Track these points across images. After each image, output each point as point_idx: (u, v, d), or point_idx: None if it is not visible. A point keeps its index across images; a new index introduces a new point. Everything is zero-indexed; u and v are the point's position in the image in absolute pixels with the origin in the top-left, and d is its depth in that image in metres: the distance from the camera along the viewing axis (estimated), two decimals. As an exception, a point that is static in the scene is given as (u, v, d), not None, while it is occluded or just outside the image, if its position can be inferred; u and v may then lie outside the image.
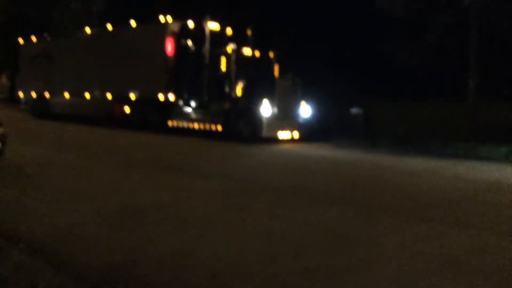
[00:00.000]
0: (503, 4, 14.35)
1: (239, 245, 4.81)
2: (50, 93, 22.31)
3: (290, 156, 12.86)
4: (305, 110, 15.99)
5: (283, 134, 15.33)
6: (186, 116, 16.77)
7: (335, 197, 7.44)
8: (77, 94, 20.89)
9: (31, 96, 23.50)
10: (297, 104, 15.86)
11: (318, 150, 13.85)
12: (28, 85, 23.87)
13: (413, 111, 15.53)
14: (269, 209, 6.40)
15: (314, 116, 16.17)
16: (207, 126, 16.00)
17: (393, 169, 10.80)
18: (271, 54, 17.06)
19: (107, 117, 19.62)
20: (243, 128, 15.11)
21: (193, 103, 16.64)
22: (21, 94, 24.55)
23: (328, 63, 18.88)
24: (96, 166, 9.68)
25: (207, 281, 3.87)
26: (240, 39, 17.11)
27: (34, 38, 23.57)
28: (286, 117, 15.48)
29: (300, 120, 15.87)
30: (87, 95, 20.34)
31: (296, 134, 15.62)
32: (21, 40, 24.51)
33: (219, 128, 15.66)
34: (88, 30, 20.51)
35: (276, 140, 15.14)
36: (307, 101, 16.10)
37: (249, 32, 17.55)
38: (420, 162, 11.87)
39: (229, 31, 17.51)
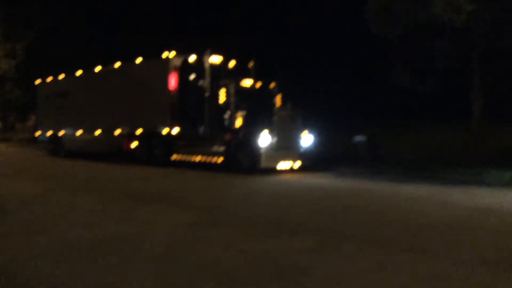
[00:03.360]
0: (503, 25, 14.00)
1: (174, 280, 4.66)
2: (64, 131, 22.81)
3: (283, 186, 12.62)
4: (307, 139, 15.80)
5: (284, 165, 15.13)
6: (189, 149, 16.82)
7: (306, 227, 7.19)
8: (88, 131, 21.30)
9: (47, 135, 24.10)
10: (298, 134, 15.69)
11: (316, 180, 13.57)
12: (44, 124, 24.55)
13: (418, 136, 15.14)
14: (230, 240, 6.24)
15: (316, 145, 15.95)
16: (209, 159, 15.98)
17: (386, 197, 10.43)
18: (272, 85, 17.07)
19: (116, 152, 19.89)
20: (243, 159, 15.01)
21: (195, 136, 16.69)
22: (38, 133, 25.22)
23: (330, 91, 18.77)
24: (80, 201, 9.71)
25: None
26: (241, 71, 17.27)
27: (49, 78, 24.31)
28: (286, 147, 15.32)
29: (302, 149, 15.66)
30: (98, 132, 20.70)
31: (297, 164, 15.40)
32: (38, 80, 25.33)
33: (220, 160, 15.61)
34: (97, 68, 21.01)
35: (276, 171, 14.95)
36: (309, 130, 15.93)
37: (250, 64, 17.71)
38: (419, 189, 11.45)
39: (230, 63, 17.67)
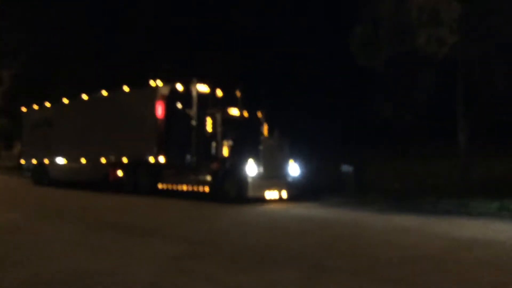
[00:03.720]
0: (489, 57, 14.22)
1: None
2: (49, 160, 22.54)
3: (269, 217, 12.45)
4: (294, 169, 15.73)
5: (271, 194, 15.00)
6: (176, 178, 16.66)
7: (288, 258, 7.05)
8: (73, 159, 21.08)
9: (32, 163, 23.79)
10: (285, 163, 15.62)
11: (302, 210, 13.44)
12: (30, 152, 24.28)
13: (405, 166, 15.13)
14: (210, 273, 6.07)
15: (303, 174, 15.88)
16: (195, 188, 15.81)
17: (372, 228, 10.32)
18: (259, 114, 17.08)
19: (102, 181, 19.64)
20: (230, 188, 14.87)
21: (182, 165, 16.56)
22: (22, 161, 24.91)
23: (316, 120, 18.83)
24: (60, 231, 9.50)
25: None
26: (228, 100, 17.30)
27: (35, 106, 24.15)
28: (273, 176, 15.22)
29: (289, 179, 15.56)
30: (83, 160, 20.49)
31: (284, 194, 15.27)
32: (23, 108, 25.15)
33: (207, 189, 15.46)
34: (84, 96, 20.92)
35: (263, 200, 14.81)
36: (296, 159, 15.87)
37: (237, 94, 17.74)
38: (405, 220, 11.37)
39: (218, 92, 17.72)
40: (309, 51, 22.26)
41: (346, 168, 16.34)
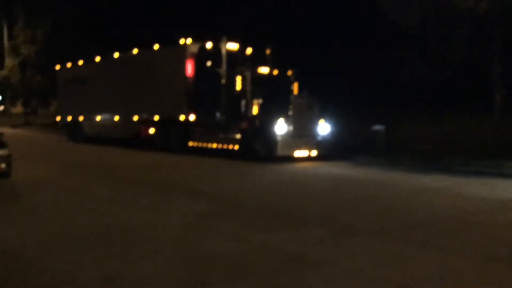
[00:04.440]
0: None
1: (176, 270, 4.66)
2: (83, 117, 23.02)
3: (297, 175, 12.53)
4: (324, 128, 15.62)
5: (300, 153, 15.00)
6: (205, 136, 16.80)
7: (314, 218, 7.13)
8: (106, 117, 21.48)
9: (67, 120, 24.36)
10: (314, 122, 15.51)
11: (331, 169, 13.43)
12: (64, 109, 24.85)
13: (437, 127, 14.80)
14: (236, 230, 6.22)
15: (332, 133, 15.76)
16: (225, 146, 15.94)
17: (400, 188, 10.26)
18: (289, 73, 16.87)
19: (134, 138, 20.01)
20: (259, 147, 14.93)
21: (211, 123, 16.66)
22: (58, 118, 25.52)
23: (348, 80, 18.49)
24: (92, 187, 9.85)
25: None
26: (258, 58, 17.12)
27: (69, 64, 24.50)
28: (303, 135, 15.17)
29: (318, 138, 15.49)
30: (116, 118, 20.86)
31: (314, 153, 15.25)
32: (57, 66, 25.55)
33: (236, 147, 15.57)
34: (115, 54, 21.07)
35: (292, 159, 14.84)
36: (327, 118, 15.74)
37: (267, 51, 17.54)
38: (435, 180, 11.23)
39: (247, 50, 17.54)
40: (341, 10, 21.61)
41: (377, 127, 16.14)
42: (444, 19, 14.32)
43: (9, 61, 37.69)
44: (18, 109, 52.02)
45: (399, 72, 17.20)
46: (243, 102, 15.72)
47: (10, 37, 38.52)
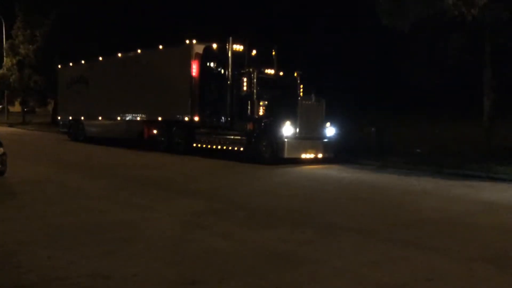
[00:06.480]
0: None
1: (166, 268, 4.71)
2: (85, 117, 22.89)
3: (299, 177, 12.44)
4: (330, 130, 15.57)
5: (306, 155, 14.93)
6: (210, 138, 16.69)
7: (306, 218, 7.24)
8: (109, 117, 21.35)
9: (68, 120, 24.21)
10: (321, 124, 15.44)
11: (335, 172, 13.34)
12: (66, 109, 24.74)
13: (428, 130, 14.85)
14: (229, 229, 6.33)
15: (338, 136, 15.71)
16: (230, 147, 15.85)
17: (391, 189, 10.35)
18: (295, 74, 16.82)
19: (137, 139, 19.89)
20: (265, 149, 14.83)
21: (216, 125, 16.58)
22: (59, 117, 25.39)
23: (347, 84, 18.49)
24: (89, 185, 9.93)
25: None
26: (264, 60, 17.06)
27: (71, 63, 24.36)
28: (309, 138, 15.09)
29: (325, 140, 15.43)
30: (119, 118, 20.73)
31: (320, 155, 15.18)
32: (59, 65, 25.42)
33: (241, 149, 15.48)
34: (119, 54, 20.96)
35: (298, 161, 14.76)
36: (331, 121, 15.69)
37: (273, 53, 17.48)
38: (426, 182, 11.31)
39: (253, 52, 17.46)
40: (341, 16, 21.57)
41: (369, 130, 16.22)
42: (437, 25, 14.34)
43: (7, 61, 37.50)
44: (16, 108, 51.76)
45: (392, 76, 17.23)
46: (248, 103, 15.60)
47: (9, 36, 38.30)
